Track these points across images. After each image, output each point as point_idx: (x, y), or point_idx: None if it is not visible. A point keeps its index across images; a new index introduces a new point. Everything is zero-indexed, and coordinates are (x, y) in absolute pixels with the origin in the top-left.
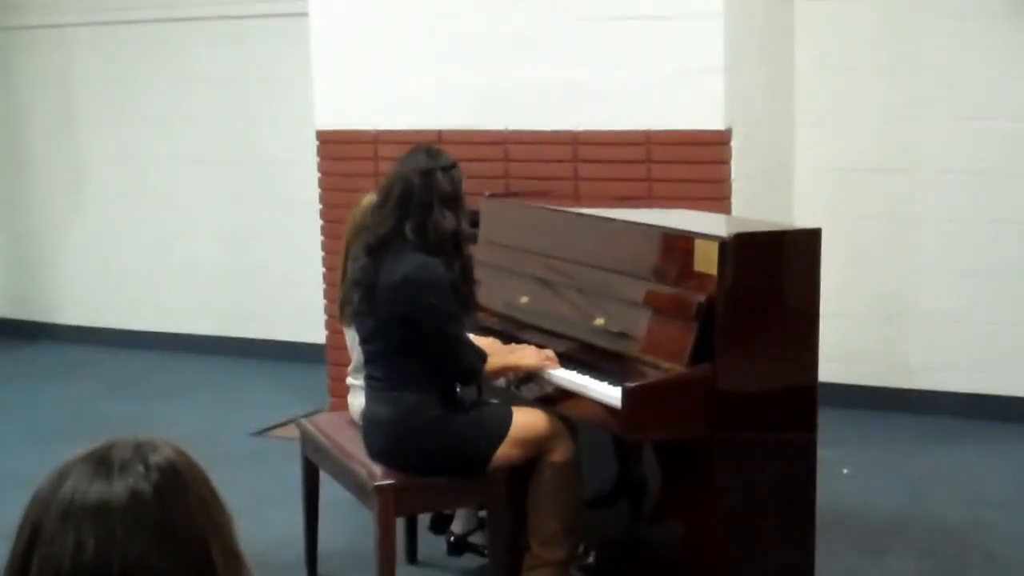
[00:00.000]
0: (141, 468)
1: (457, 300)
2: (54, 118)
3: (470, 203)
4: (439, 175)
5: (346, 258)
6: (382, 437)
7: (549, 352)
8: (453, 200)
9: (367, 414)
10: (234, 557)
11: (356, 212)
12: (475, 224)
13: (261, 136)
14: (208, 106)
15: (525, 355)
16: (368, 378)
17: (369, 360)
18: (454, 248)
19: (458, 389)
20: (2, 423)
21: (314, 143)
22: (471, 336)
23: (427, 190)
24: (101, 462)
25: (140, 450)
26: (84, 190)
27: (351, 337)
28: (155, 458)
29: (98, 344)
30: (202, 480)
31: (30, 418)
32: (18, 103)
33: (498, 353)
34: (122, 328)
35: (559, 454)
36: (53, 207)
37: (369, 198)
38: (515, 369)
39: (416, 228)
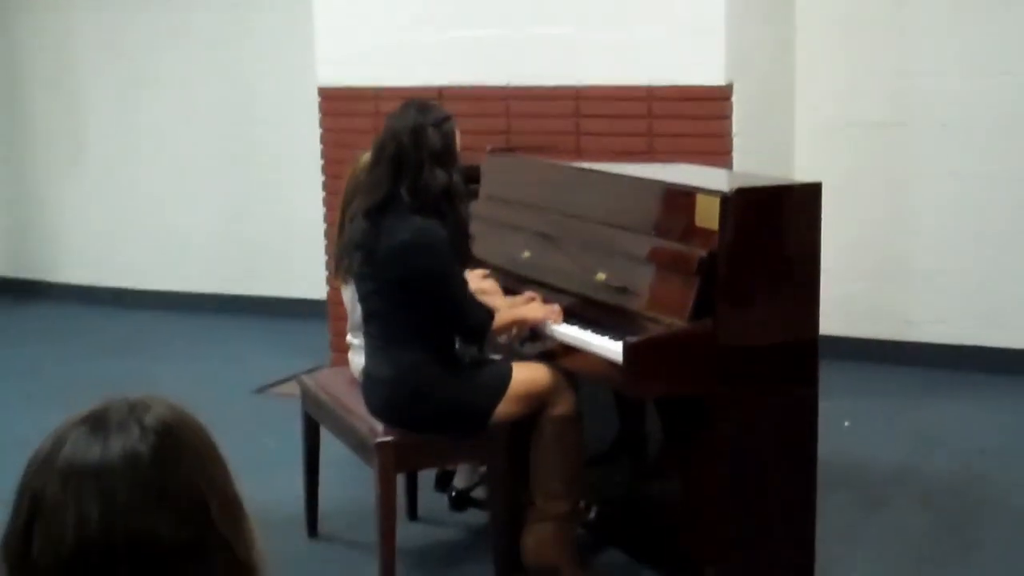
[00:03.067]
0: (137, 429)
1: (456, 255)
2: (52, 76)
3: (472, 159)
4: (429, 131)
5: (343, 216)
6: (382, 395)
7: (555, 306)
8: (445, 155)
9: (367, 373)
10: (234, 511)
11: (354, 170)
12: (476, 179)
13: (261, 93)
14: (207, 63)
15: (532, 307)
16: (367, 336)
17: (369, 319)
18: (448, 204)
19: (457, 346)
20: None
21: (314, 100)
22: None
23: (417, 148)
24: (97, 425)
25: (135, 411)
26: (82, 149)
27: (348, 295)
28: (150, 418)
29: (97, 303)
30: (199, 437)
31: (28, 378)
32: (17, 62)
33: (504, 307)
34: (121, 287)
35: (560, 408)
36: (51, 165)
37: (367, 156)
38: (522, 322)
39: (410, 189)
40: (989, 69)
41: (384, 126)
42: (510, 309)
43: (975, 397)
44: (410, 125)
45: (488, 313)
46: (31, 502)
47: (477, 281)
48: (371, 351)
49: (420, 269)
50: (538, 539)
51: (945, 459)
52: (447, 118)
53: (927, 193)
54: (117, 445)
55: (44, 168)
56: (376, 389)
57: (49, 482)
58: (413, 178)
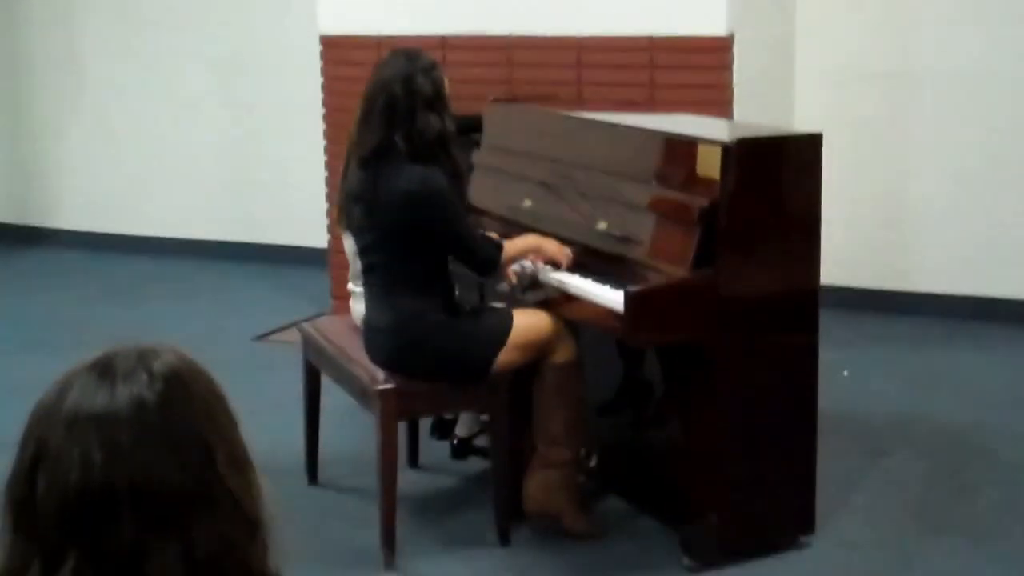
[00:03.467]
0: (144, 376)
1: (457, 199)
2: (51, 20)
3: (475, 108)
4: (420, 78)
5: (347, 164)
6: (383, 344)
7: (567, 250)
8: (436, 101)
9: (368, 322)
10: (241, 463)
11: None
12: (478, 128)
13: (263, 39)
14: (209, 9)
15: (550, 242)
16: (368, 287)
17: (369, 270)
18: (443, 149)
19: (457, 294)
20: (0, 330)
21: (317, 47)
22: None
23: (409, 96)
24: (104, 372)
25: (143, 358)
26: (82, 93)
27: (350, 244)
28: (158, 365)
29: (97, 249)
30: (207, 386)
31: (28, 324)
32: (15, 4)
33: (524, 245)
34: (121, 233)
35: (561, 355)
36: (51, 110)
37: None
38: (537, 249)
39: (405, 136)
40: (995, 19)
41: (372, 76)
42: (527, 241)
43: (974, 347)
44: (401, 73)
45: (496, 246)
46: (36, 447)
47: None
48: (372, 301)
49: (426, 218)
50: (540, 485)
51: (943, 408)
52: (435, 64)
53: (929, 144)
54: (124, 392)
55: (44, 116)
56: (377, 338)
57: (54, 428)
58: (407, 125)
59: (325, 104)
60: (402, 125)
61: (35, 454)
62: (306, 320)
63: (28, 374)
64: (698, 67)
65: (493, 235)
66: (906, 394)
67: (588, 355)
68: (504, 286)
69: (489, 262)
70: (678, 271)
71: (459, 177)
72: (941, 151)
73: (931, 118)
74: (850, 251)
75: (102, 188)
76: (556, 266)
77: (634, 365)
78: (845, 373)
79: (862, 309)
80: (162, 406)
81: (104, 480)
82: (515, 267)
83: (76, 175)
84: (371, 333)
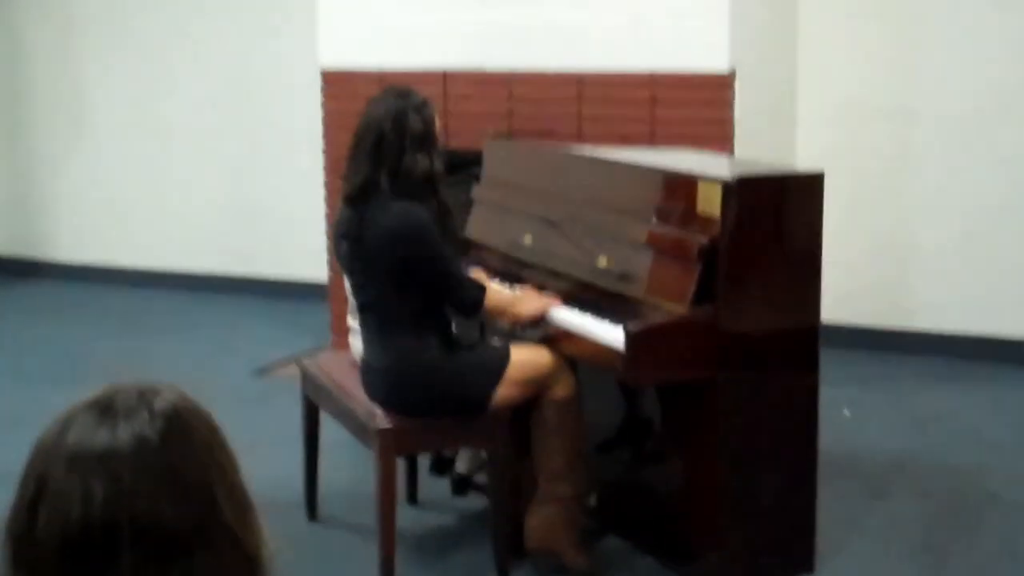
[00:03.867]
0: (146, 414)
1: (443, 237)
2: (53, 51)
3: (474, 143)
4: (410, 116)
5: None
6: (382, 384)
7: (549, 297)
8: (425, 140)
9: (365, 362)
10: (241, 502)
11: None
12: (478, 163)
13: (263, 72)
14: (210, 43)
15: (526, 303)
16: (362, 326)
17: (362, 310)
18: (430, 188)
19: (455, 330)
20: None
21: (317, 80)
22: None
23: (398, 134)
24: (105, 409)
25: (144, 396)
26: (83, 126)
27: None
28: (159, 404)
29: (97, 281)
30: (207, 425)
31: (28, 356)
32: (17, 35)
33: (500, 302)
34: (120, 266)
35: (560, 390)
36: (51, 142)
37: None
38: (518, 318)
39: (391, 174)
40: (995, 55)
41: (364, 112)
42: (506, 305)
43: (976, 387)
44: (391, 111)
45: (480, 288)
46: (37, 483)
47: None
48: (368, 341)
49: (409, 254)
50: (541, 521)
51: (945, 449)
52: (426, 102)
53: (932, 182)
54: (125, 430)
55: (44, 147)
56: (375, 378)
57: (55, 465)
58: (393, 164)
59: (325, 138)
60: (388, 163)
61: (36, 490)
62: (306, 355)
63: (27, 406)
64: (699, 103)
65: (480, 275)
66: (908, 434)
67: (587, 391)
68: (503, 322)
69: (473, 303)
70: (678, 308)
71: (447, 217)
72: (944, 189)
73: (934, 156)
74: (851, 289)
75: (101, 221)
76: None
77: (634, 402)
78: (846, 412)
79: (863, 348)
80: (163, 444)
81: (105, 517)
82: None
83: (75, 208)
84: (368, 371)
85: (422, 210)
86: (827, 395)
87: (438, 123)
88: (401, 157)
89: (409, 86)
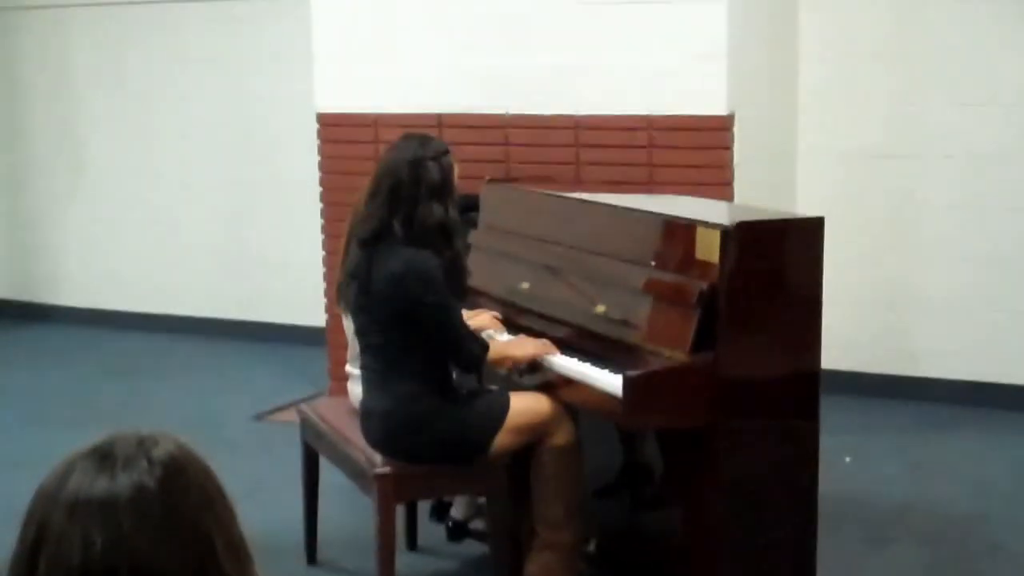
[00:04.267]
0: (145, 462)
1: (450, 289)
2: (52, 99)
3: (471, 188)
4: (428, 164)
5: (347, 245)
6: (380, 428)
7: (546, 341)
8: (442, 189)
9: (364, 406)
10: (239, 550)
11: (360, 199)
12: (475, 208)
13: (260, 117)
14: (207, 87)
15: (522, 346)
16: (364, 369)
17: (365, 352)
18: (444, 239)
19: (454, 376)
20: (2, 405)
21: (313, 125)
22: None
23: (415, 182)
24: (105, 457)
25: (143, 444)
26: (83, 172)
27: (349, 325)
28: (158, 452)
29: (98, 326)
30: (205, 474)
31: (30, 400)
32: (17, 84)
33: (496, 347)
34: (122, 310)
35: (559, 438)
36: (52, 188)
37: None
38: (512, 360)
39: (405, 221)
40: (998, 100)
41: (383, 158)
42: (503, 348)
43: (978, 434)
44: (409, 157)
45: (482, 345)
46: (37, 530)
47: (477, 318)
48: (368, 384)
49: (412, 299)
50: (541, 568)
51: (948, 497)
52: (446, 152)
53: (931, 226)
54: (124, 478)
55: (44, 192)
56: (374, 422)
57: (56, 512)
58: (408, 211)
59: (322, 182)
60: (403, 210)
61: (37, 537)
62: (304, 400)
63: (29, 450)
64: (698, 147)
65: (486, 331)
66: (909, 481)
67: (587, 436)
68: (503, 369)
69: (473, 359)
70: (677, 355)
71: (459, 269)
72: (946, 235)
73: (936, 201)
74: (853, 335)
75: (102, 265)
76: (535, 368)
77: (633, 448)
78: (847, 459)
79: (864, 394)
80: (162, 492)
81: (104, 564)
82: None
83: (76, 252)
84: (368, 417)
85: (431, 257)
86: (828, 441)
87: (456, 172)
88: (416, 205)
89: (429, 134)
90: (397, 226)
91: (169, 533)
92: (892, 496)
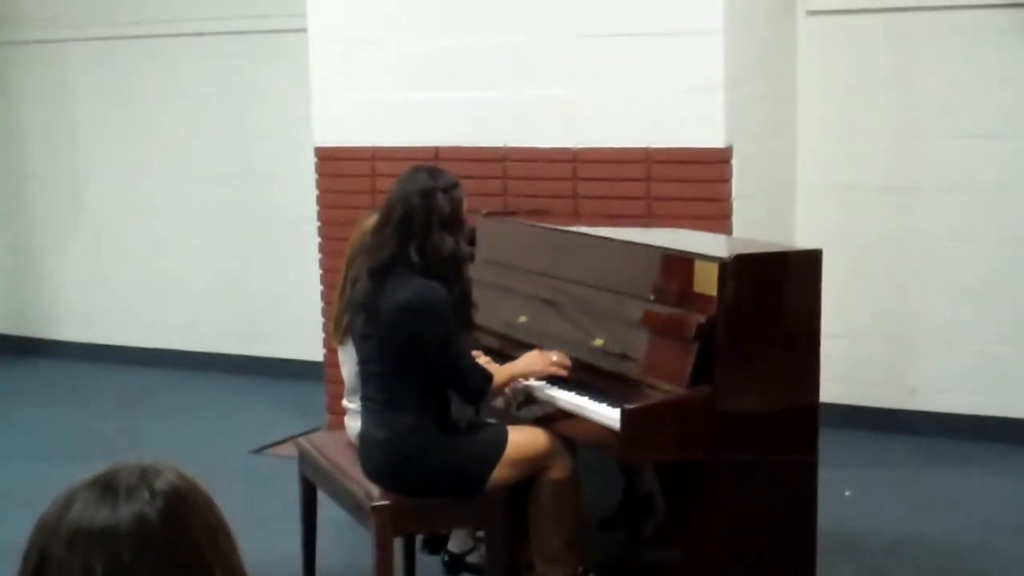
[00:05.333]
0: (146, 493)
1: (458, 321)
2: (51, 134)
3: (469, 221)
4: (439, 196)
5: (346, 278)
6: (378, 459)
7: (554, 354)
8: (452, 222)
9: (363, 435)
10: None
11: (358, 232)
12: (473, 242)
13: (258, 152)
14: (204, 122)
15: (531, 362)
16: (364, 399)
17: (367, 381)
18: (454, 270)
19: (452, 408)
20: (0, 439)
21: (311, 159)
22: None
23: (427, 212)
24: (107, 488)
25: (145, 475)
26: (81, 206)
27: (344, 356)
28: (160, 484)
29: (96, 360)
30: (207, 505)
31: (28, 434)
32: (15, 119)
33: (503, 373)
34: (120, 344)
35: (557, 471)
36: (50, 223)
37: (371, 218)
38: (523, 375)
39: (416, 251)
40: (997, 132)
41: (393, 189)
42: (510, 367)
43: (978, 467)
44: (420, 189)
45: (486, 377)
46: (38, 560)
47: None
48: (368, 414)
49: (420, 329)
50: None
51: (948, 531)
52: (456, 184)
53: (933, 260)
54: (126, 509)
55: (43, 225)
56: (372, 452)
57: (56, 542)
58: (421, 241)
59: (320, 216)
60: (415, 240)
61: (37, 566)
62: (302, 434)
63: (27, 484)
64: (696, 180)
65: (488, 363)
66: (908, 515)
67: (586, 468)
68: (500, 402)
69: (477, 391)
70: (675, 388)
71: (467, 301)
72: (945, 268)
73: (936, 234)
74: (852, 368)
75: (101, 300)
76: (552, 380)
77: (632, 480)
78: (847, 493)
79: (863, 427)
80: (163, 523)
81: None
82: (499, 402)
83: (75, 287)
84: (366, 447)
85: (441, 288)
86: (827, 475)
87: (466, 205)
88: (428, 236)
89: (441, 167)
90: (413, 255)
91: (170, 564)
92: (892, 530)
